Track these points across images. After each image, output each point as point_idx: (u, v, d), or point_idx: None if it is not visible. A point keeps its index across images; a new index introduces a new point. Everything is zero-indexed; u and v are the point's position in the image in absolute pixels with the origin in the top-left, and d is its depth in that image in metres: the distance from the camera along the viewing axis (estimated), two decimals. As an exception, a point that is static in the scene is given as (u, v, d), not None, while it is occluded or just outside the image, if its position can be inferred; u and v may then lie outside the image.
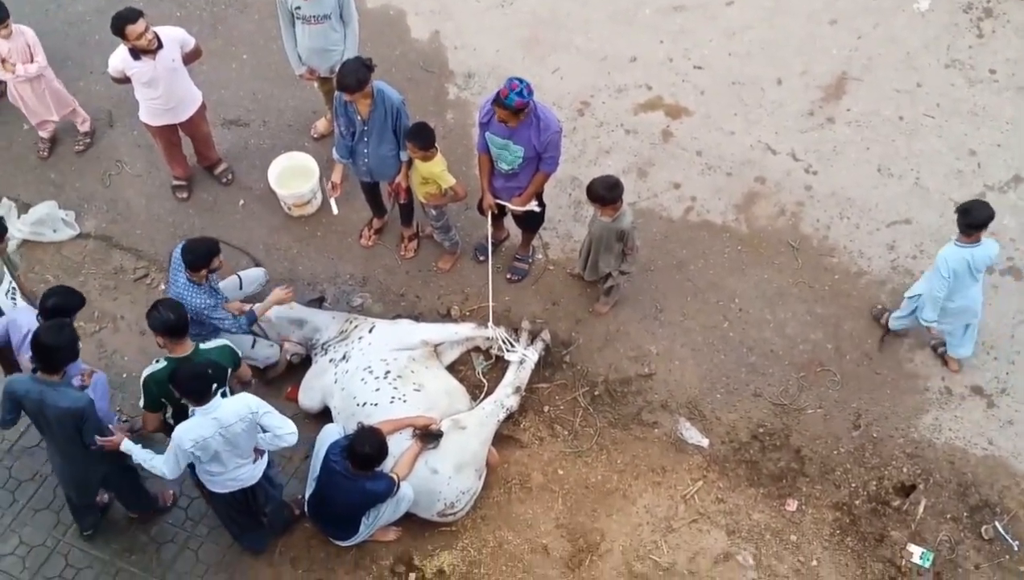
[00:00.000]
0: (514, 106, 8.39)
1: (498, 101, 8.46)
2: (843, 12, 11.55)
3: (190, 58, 9.77)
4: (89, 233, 10.47)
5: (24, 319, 8.31)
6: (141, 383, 7.82)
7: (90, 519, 8.85)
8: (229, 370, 7.93)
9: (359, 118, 9.05)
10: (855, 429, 9.25)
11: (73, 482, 8.32)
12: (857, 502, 8.93)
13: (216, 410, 7.48)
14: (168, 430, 7.90)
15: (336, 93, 8.97)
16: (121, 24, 9.13)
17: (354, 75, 8.67)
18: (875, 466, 9.08)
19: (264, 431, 7.74)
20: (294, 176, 10.32)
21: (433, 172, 9.15)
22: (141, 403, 7.95)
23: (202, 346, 7.91)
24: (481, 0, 11.83)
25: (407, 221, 10.09)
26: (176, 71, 9.60)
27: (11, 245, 10.21)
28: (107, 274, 10.21)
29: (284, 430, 7.72)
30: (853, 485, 9.01)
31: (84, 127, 10.85)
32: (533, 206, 9.27)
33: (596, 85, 11.17)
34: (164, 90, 9.63)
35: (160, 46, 9.34)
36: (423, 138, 8.97)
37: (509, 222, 10.02)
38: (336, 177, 9.61)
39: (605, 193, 8.74)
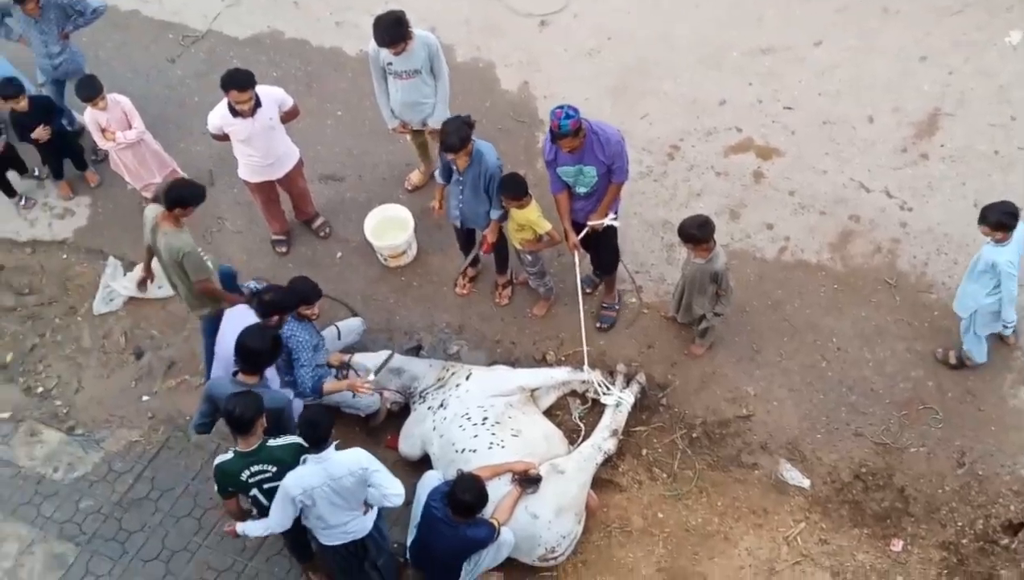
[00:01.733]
0: (571, 129, 8.50)
1: (555, 136, 8.60)
2: (933, 48, 11.49)
3: (288, 117, 9.97)
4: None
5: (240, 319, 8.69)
6: (212, 470, 7.91)
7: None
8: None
9: (456, 169, 9.23)
10: (959, 467, 9.10)
11: None
12: (964, 541, 8.77)
13: (327, 461, 7.62)
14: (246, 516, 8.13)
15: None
16: (231, 87, 9.36)
17: (456, 135, 8.86)
18: (981, 504, 8.91)
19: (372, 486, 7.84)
20: (390, 228, 10.50)
21: (529, 219, 9.26)
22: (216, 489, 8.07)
23: (270, 443, 7.82)
24: (568, 50, 11.97)
25: (502, 269, 10.21)
26: (273, 129, 9.81)
27: (117, 302, 10.53)
28: (210, 329, 10.44)
29: (392, 490, 7.80)
30: (959, 524, 8.85)
31: (185, 187, 11.13)
32: (611, 220, 9.25)
33: (686, 129, 11.22)
34: (261, 147, 9.84)
35: (258, 105, 9.57)
36: (515, 188, 9.10)
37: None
38: (435, 202, 9.84)
39: (696, 231, 8.76)
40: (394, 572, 8.81)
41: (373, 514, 8.14)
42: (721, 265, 8.98)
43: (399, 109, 10.13)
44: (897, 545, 8.83)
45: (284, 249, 10.85)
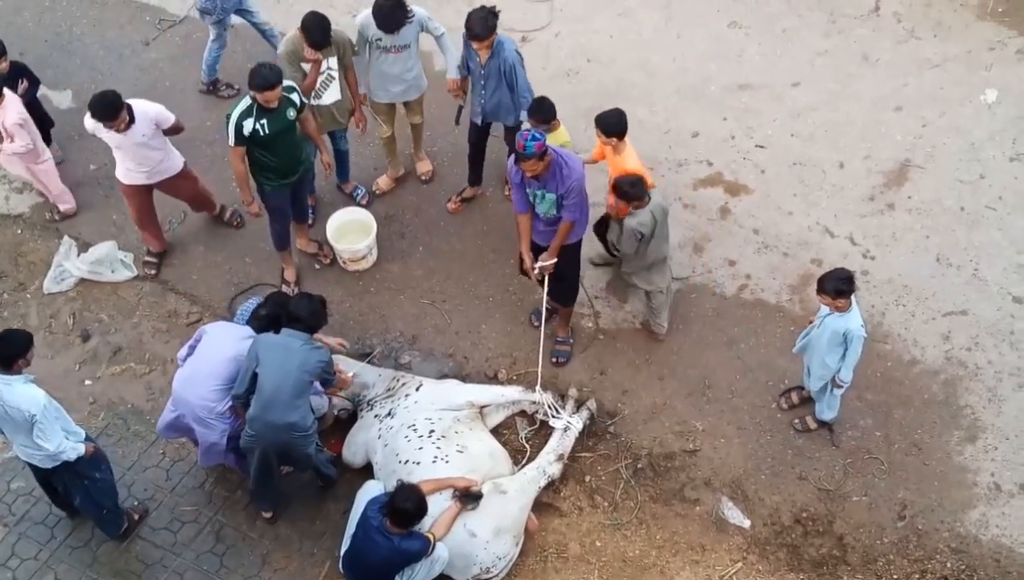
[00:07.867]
0: (535, 151, 8.44)
1: (518, 157, 8.55)
2: (909, 99, 11.53)
3: (170, 132, 9.78)
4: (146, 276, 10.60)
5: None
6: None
7: (269, 499, 9.12)
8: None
9: (479, 61, 9.61)
10: (900, 520, 9.09)
11: (275, 445, 8.48)
12: (899, 595, 8.79)
13: (8, 384, 7.76)
14: None
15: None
16: (98, 118, 9.22)
17: (482, 23, 9.37)
18: (918, 559, 8.90)
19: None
20: (351, 231, 10.43)
21: (559, 141, 9.41)
22: None
23: None
24: (547, 68, 11.93)
25: (475, 181, 10.90)
26: (145, 145, 9.57)
27: (69, 282, 10.36)
28: (161, 317, 10.30)
29: (45, 443, 7.91)
30: (895, 577, 8.83)
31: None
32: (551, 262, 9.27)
33: (656, 158, 11.18)
34: (135, 157, 9.64)
35: (132, 122, 9.36)
36: (543, 111, 9.51)
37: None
38: (457, 91, 10.36)
39: (629, 189, 8.98)
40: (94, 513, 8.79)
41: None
42: (634, 223, 9.07)
43: (376, 82, 10.19)
44: (832, 593, 8.82)
45: (153, 272, 10.58)
